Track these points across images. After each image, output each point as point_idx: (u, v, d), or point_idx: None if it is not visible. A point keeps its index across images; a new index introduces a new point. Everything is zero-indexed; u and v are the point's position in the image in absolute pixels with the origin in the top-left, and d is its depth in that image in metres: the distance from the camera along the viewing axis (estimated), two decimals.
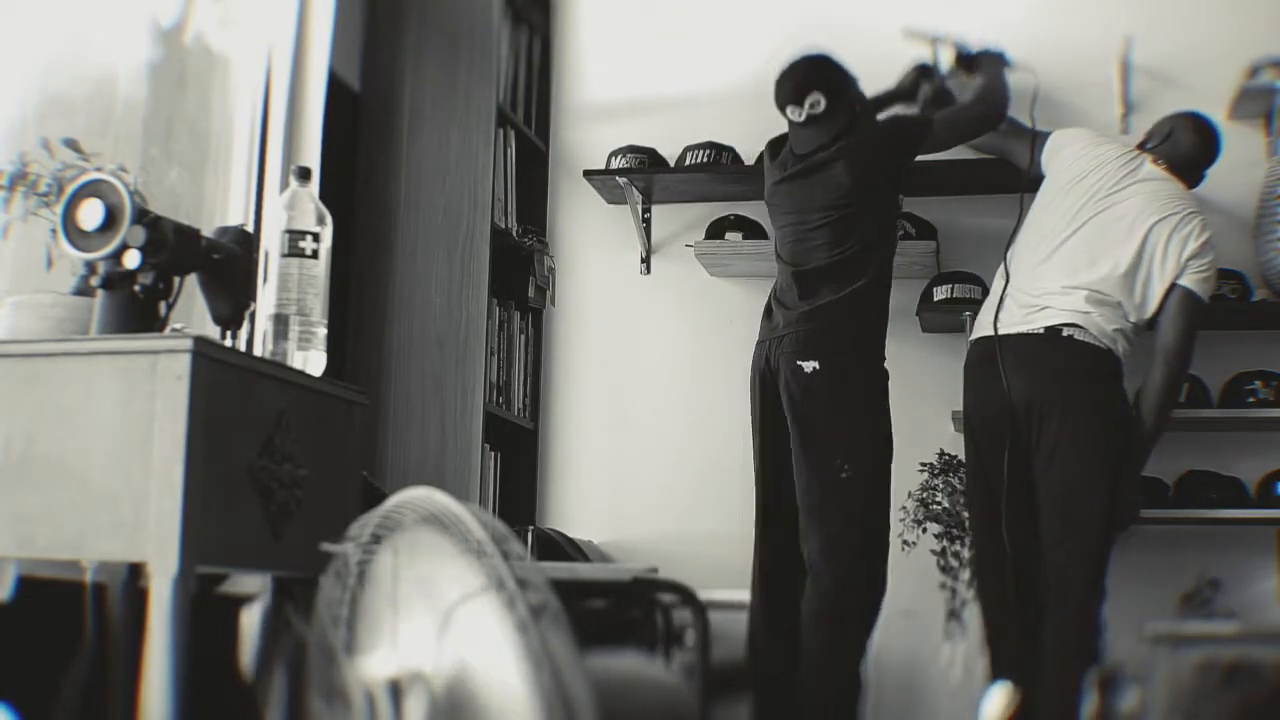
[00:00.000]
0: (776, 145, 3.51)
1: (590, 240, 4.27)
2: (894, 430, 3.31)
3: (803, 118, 3.33)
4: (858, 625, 3.16)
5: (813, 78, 3.34)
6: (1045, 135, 3.55)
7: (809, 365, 3.17)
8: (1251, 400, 3.73)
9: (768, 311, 3.37)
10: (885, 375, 3.30)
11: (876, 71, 3.62)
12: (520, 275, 4.11)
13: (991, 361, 3.25)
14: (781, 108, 3.37)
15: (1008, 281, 3.35)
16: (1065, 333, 3.21)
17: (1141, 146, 3.49)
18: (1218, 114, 3.86)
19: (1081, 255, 3.28)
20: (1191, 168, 3.47)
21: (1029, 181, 3.54)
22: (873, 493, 3.19)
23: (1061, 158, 3.46)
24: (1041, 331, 3.22)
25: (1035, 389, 3.19)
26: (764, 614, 3.24)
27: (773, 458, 3.29)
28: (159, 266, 2.15)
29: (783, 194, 3.40)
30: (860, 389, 3.21)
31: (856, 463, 3.15)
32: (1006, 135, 3.64)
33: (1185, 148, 3.45)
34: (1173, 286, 3.26)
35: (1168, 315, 3.27)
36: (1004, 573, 3.20)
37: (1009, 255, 3.41)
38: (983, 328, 3.35)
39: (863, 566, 3.16)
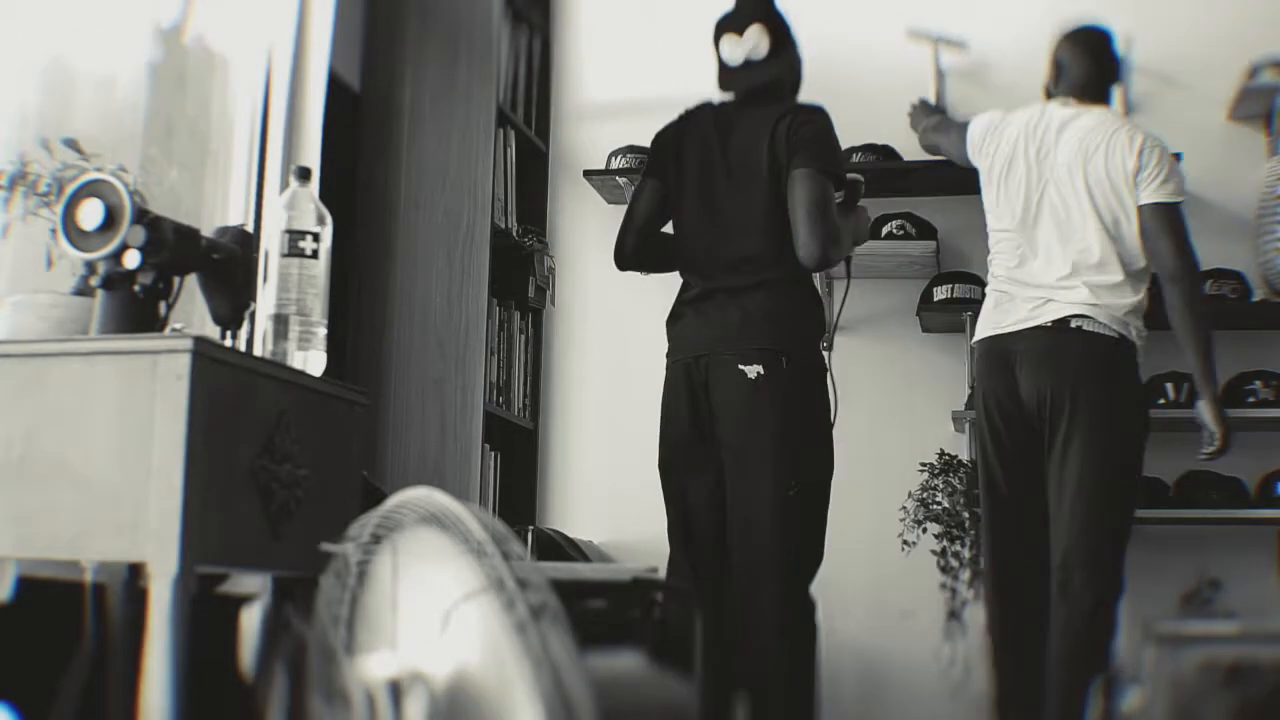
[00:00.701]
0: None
1: (590, 240, 4.27)
2: (894, 430, 3.29)
3: (740, 60, 3.04)
4: (809, 641, 2.92)
5: (759, 11, 3.06)
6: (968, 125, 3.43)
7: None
8: (1251, 400, 3.73)
9: None
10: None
11: (877, 71, 3.63)
12: (520, 275, 4.11)
13: (1003, 360, 3.16)
14: (717, 39, 3.09)
15: (1003, 278, 3.25)
16: (1074, 324, 3.10)
17: (1048, 94, 3.37)
18: (1218, 114, 3.87)
19: (1054, 245, 3.16)
20: (1099, 84, 3.31)
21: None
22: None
23: (984, 151, 3.33)
24: (1050, 325, 3.12)
25: (1049, 384, 3.09)
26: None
27: None
28: (159, 266, 2.15)
29: None
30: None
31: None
32: (937, 131, 3.53)
33: (1077, 72, 3.30)
34: (1140, 211, 3.13)
35: (1151, 239, 3.12)
36: (1023, 583, 3.14)
37: (993, 252, 3.31)
38: (991, 327, 3.24)
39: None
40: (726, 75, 3.09)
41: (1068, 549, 3.07)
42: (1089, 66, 3.30)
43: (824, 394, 2.98)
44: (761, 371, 2.86)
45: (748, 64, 3.04)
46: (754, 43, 3.02)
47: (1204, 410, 3.17)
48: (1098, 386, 3.10)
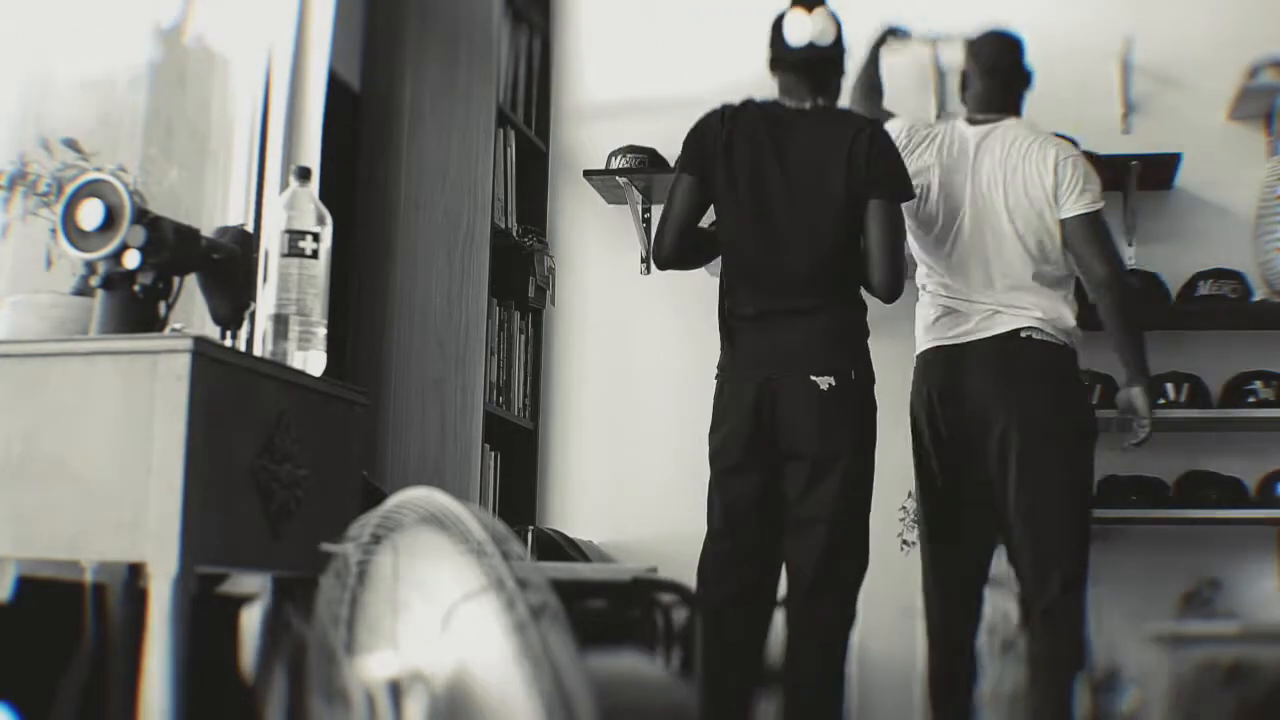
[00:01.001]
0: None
1: (590, 240, 4.28)
2: (894, 429, 3.28)
3: (805, 40, 2.96)
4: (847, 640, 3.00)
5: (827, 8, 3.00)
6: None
7: None
8: (1251, 400, 3.73)
9: None
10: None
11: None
12: (520, 275, 4.11)
13: (950, 365, 3.14)
14: (781, 17, 3.00)
15: (943, 295, 3.20)
16: (1024, 334, 3.09)
17: (962, 95, 3.34)
18: (1218, 114, 3.87)
19: (979, 268, 3.15)
20: (1004, 97, 3.27)
21: None
22: None
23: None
24: (1002, 335, 3.10)
25: (1000, 385, 3.07)
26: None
27: None
28: (159, 266, 2.15)
29: None
30: None
31: None
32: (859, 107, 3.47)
33: (980, 88, 3.28)
34: (1062, 225, 3.12)
35: (1076, 249, 3.13)
36: (960, 578, 3.16)
37: (925, 267, 3.27)
38: (936, 338, 3.20)
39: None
40: (784, 53, 3.00)
41: (1037, 546, 3.04)
42: (989, 84, 3.27)
43: (875, 409, 2.98)
44: (833, 383, 2.86)
45: (811, 46, 2.96)
46: (822, 26, 2.96)
47: (1138, 398, 3.16)
48: (1049, 386, 3.09)
